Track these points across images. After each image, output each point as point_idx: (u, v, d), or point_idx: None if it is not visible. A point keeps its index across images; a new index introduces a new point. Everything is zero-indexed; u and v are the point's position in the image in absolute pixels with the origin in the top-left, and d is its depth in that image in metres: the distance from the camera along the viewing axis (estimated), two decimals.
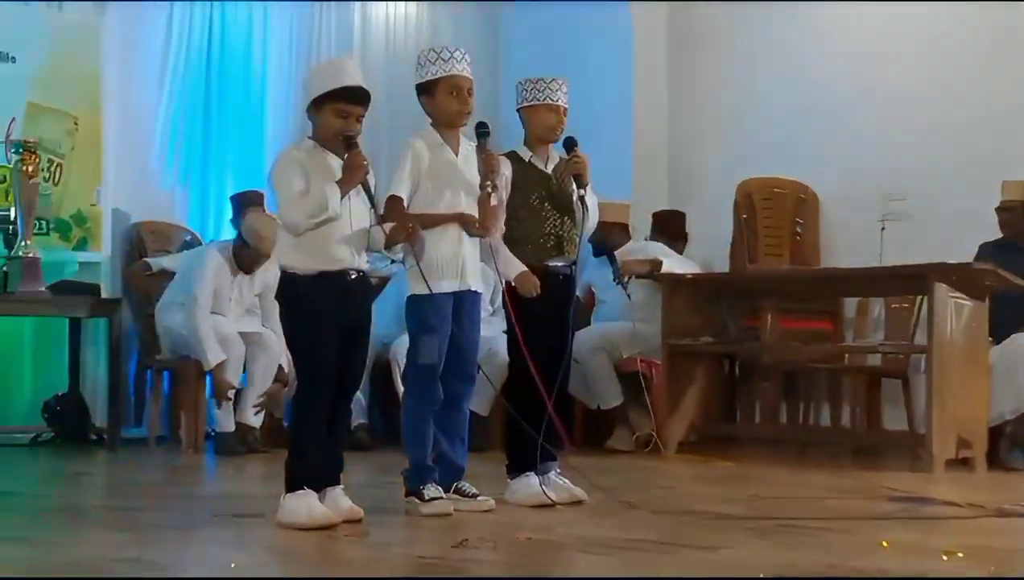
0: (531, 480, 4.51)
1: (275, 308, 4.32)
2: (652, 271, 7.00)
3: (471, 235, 4.31)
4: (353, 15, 8.42)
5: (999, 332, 6.31)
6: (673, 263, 7.15)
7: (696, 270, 7.28)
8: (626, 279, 6.98)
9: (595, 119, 7.45)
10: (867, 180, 7.51)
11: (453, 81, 4.31)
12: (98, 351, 7.19)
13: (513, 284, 4.54)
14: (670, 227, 7.66)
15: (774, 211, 7.84)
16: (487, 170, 4.34)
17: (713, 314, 7.25)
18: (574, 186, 4.60)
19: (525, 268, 4.54)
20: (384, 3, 8.57)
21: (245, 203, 7.11)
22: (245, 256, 6.66)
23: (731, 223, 7.85)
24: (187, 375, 6.68)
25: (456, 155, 4.35)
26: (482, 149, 4.38)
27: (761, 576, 2.98)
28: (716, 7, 8.38)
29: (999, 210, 6.69)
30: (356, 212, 4.00)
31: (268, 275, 6.55)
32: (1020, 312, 6.36)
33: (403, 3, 8.64)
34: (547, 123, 4.64)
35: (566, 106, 4.66)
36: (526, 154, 4.67)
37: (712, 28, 8.43)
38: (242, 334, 6.60)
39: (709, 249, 7.84)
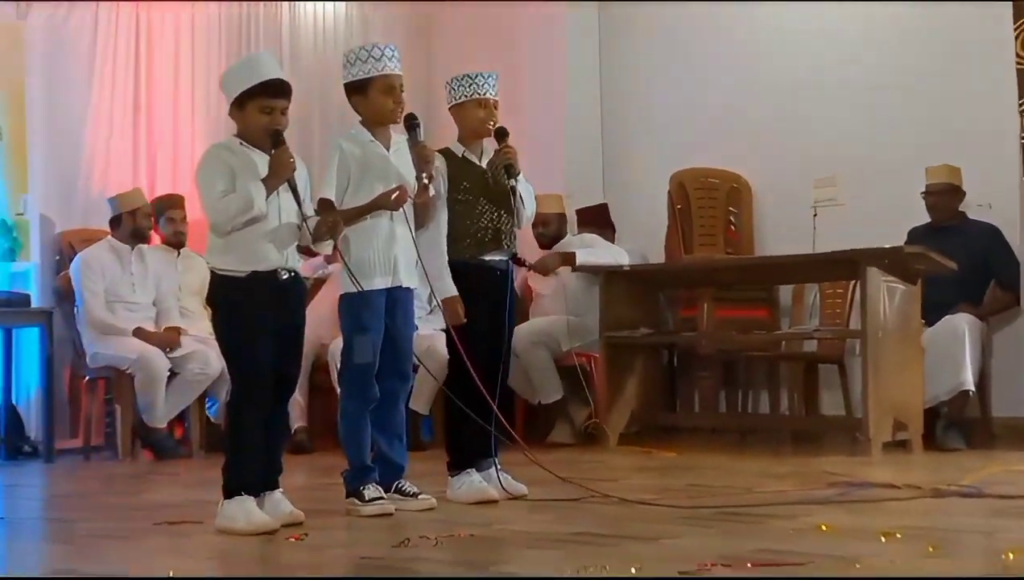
0: (472, 477, 4.50)
1: None
2: (564, 263, 7.03)
3: (390, 209, 4.23)
4: (282, 15, 8.34)
5: (932, 314, 6.39)
6: (599, 252, 7.18)
7: (625, 258, 7.29)
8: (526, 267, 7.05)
9: (528, 114, 7.50)
10: (799, 168, 7.57)
11: (386, 80, 4.29)
12: (31, 362, 7.08)
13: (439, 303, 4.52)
14: (596, 219, 7.69)
15: (708, 201, 7.88)
16: (421, 162, 4.32)
17: (650, 306, 7.29)
18: (507, 177, 4.59)
19: (455, 292, 4.50)
20: (313, 3, 8.50)
21: (165, 206, 7.13)
22: None
23: (665, 214, 7.88)
24: (119, 383, 6.63)
25: (387, 150, 4.33)
26: (415, 141, 4.36)
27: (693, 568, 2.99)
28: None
29: (925, 195, 6.77)
30: (285, 210, 3.95)
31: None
32: (951, 294, 6.45)
33: (332, 3, 8.58)
34: (477, 117, 4.61)
35: (496, 99, 4.63)
36: (459, 150, 4.64)
37: (644, 19, 8.45)
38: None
39: (644, 240, 7.86)
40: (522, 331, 6.85)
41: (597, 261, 7.09)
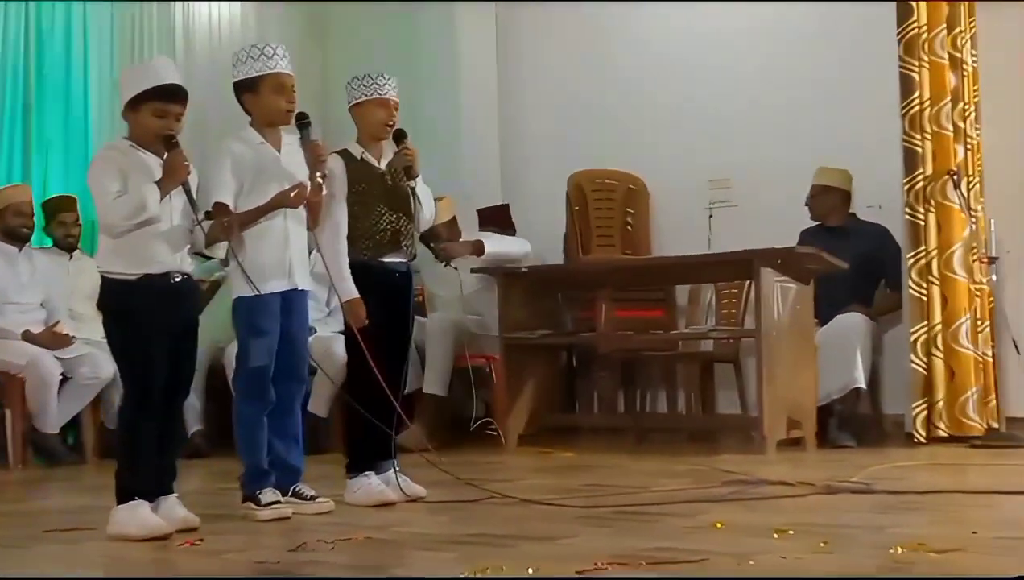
0: (370, 479, 4.48)
1: None
2: (473, 252, 7.02)
3: (290, 206, 4.21)
4: (175, 15, 8.25)
5: (824, 313, 6.50)
6: (507, 241, 7.20)
7: (528, 247, 7.30)
8: (445, 264, 7.02)
9: (424, 115, 7.49)
10: (696, 170, 7.65)
11: (278, 79, 4.26)
12: None
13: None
14: (497, 219, 7.69)
15: (605, 202, 7.93)
16: (314, 160, 4.29)
17: (549, 306, 7.32)
18: (405, 179, 4.58)
19: (356, 294, 4.48)
20: (207, 3, 8.41)
21: (56, 208, 7.00)
22: None
23: (563, 215, 7.90)
24: (10, 388, 6.50)
25: (279, 152, 4.29)
26: (307, 140, 4.33)
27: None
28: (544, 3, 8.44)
29: (809, 196, 6.91)
30: (177, 213, 3.91)
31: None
32: (843, 293, 6.57)
33: (227, 3, 8.49)
34: (378, 118, 4.59)
35: (396, 100, 4.63)
36: (358, 151, 4.61)
37: (541, 20, 8.49)
38: None
39: (542, 241, 7.88)
40: (435, 317, 6.87)
41: (507, 250, 7.11)
